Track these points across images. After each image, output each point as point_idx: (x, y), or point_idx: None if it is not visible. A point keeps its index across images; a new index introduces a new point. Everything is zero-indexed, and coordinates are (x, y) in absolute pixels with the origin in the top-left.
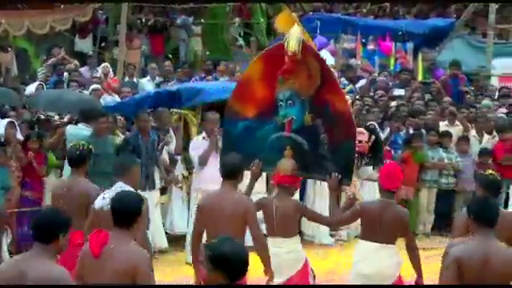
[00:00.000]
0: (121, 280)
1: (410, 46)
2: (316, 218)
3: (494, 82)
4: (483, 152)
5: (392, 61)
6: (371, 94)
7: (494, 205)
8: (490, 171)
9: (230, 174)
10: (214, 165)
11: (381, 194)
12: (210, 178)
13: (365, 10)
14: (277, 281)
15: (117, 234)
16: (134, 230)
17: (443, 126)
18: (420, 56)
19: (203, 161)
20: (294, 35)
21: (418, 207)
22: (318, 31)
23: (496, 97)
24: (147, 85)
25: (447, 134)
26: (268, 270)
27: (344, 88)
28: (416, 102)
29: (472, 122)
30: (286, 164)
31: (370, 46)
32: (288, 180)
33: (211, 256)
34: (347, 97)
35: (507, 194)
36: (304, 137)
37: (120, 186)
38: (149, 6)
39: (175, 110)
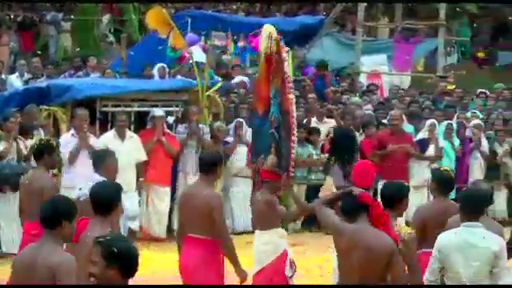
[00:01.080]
0: None
1: None
2: (282, 215)
3: (363, 79)
4: None
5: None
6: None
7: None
8: (445, 167)
9: (206, 168)
10: (83, 162)
11: None
12: (79, 175)
13: (235, 7)
14: (253, 270)
15: (95, 221)
16: (113, 218)
17: (312, 122)
18: (290, 53)
19: (72, 158)
20: (263, 36)
21: (288, 204)
22: (189, 28)
23: (363, 93)
24: (16, 81)
25: (316, 131)
26: (237, 269)
27: (214, 85)
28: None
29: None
30: (271, 160)
31: (241, 43)
32: (269, 176)
33: (104, 253)
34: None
35: (375, 189)
36: (278, 134)
37: (95, 178)
38: (18, 2)
39: (44, 107)
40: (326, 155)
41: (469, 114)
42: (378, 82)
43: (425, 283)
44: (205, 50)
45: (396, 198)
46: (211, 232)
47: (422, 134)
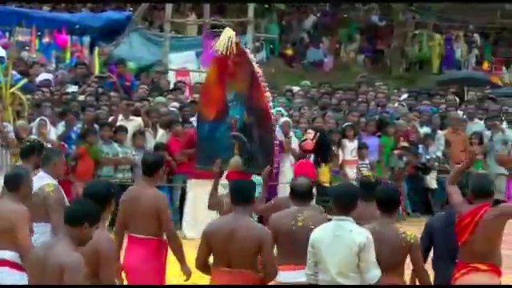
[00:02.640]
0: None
1: (86, 39)
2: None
3: (171, 76)
4: (156, 146)
5: (68, 54)
6: (51, 88)
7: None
8: (368, 173)
9: (149, 171)
10: None
11: None
12: None
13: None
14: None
15: None
16: (105, 215)
17: (119, 120)
18: (96, 50)
19: None
20: (223, 37)
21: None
22: None
23: (170, 91)
24: None
25: (122, 129)
26: (183, 266)
27: (18, 82)
28: (88, 98)
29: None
30: (236, 161)
31: (46, 39)
32: (236, 176)
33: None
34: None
35: (182, 188)
36: (244, 134)
37: (40, 176)
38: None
39: None
40: (135, 154)
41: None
42: (186, 79)
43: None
44: (5, 47)
45: None
46: (155, 232)
47: None
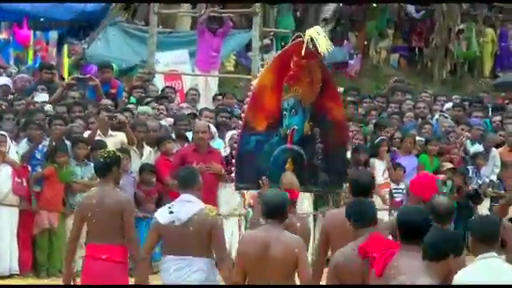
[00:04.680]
0: None
1: (53, 35)
2: None
3: (159, 81)
4: (143, 168)
5: (30, 54)
6: (10, 96)
7: None
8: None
9: (103, 173)
10: None
11: None
12: None
13: None
14: None
15: None
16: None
17: (98, 136)
18: (65, 48)
19: None
20: (321, 37)
21: (66, 238)
22: None
23: (157, 99)
24: None
25: (100, 146)
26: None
27: None
28: (58, 108)
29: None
30: (291, 178)
31: (3, 35)
32: (294, 195)
33: None
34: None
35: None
36: (303, 148)
37: None
38: None
39: None
40: None
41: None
42: (177, 84)
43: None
44: None
45: None
46: (119, 238)
47: (223, 151)
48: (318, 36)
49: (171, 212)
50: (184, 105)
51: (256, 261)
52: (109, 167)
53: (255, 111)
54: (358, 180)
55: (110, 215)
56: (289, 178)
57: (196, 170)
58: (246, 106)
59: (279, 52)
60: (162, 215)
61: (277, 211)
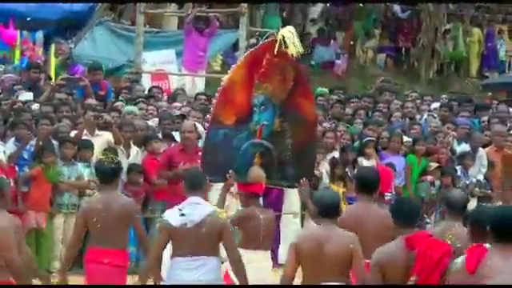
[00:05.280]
0: None
1: (39, 35)
2: None
3: (146, 80)
4: (130, 168)
5: (17, 54)
6: None
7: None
8: None
9: (109, 179)
10: None
11: None
12: None
13: None
14: None
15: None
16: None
17: (85, 136)
18: (52, 48)
19: None
20: (292, 39)
21: (53, 238)
22: None
23: (144, 99)
24: None
25: (87, 145)
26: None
27: None
28: (44, 108)
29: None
30: (258, 172)
31: None
32: (260, 188)
33: None
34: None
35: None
36: (272, 143)
37: None
38: None
39: None
40: None
41: None
42: (163, 84)
43: None
44: None
45: None
46: (121, 243)
47: None
48: (289, 38)
49: (182, 214)
50: (177, 104)
51: (312, 258)
52: (115, 174)
53: (224, 105)
54: (366, 177)
55: (117, 220)
56: (256, 171)
57: (201, 172)
58: (215, 101)
59: (251, 49)
60: (173, 218)
61: (330, 210)
